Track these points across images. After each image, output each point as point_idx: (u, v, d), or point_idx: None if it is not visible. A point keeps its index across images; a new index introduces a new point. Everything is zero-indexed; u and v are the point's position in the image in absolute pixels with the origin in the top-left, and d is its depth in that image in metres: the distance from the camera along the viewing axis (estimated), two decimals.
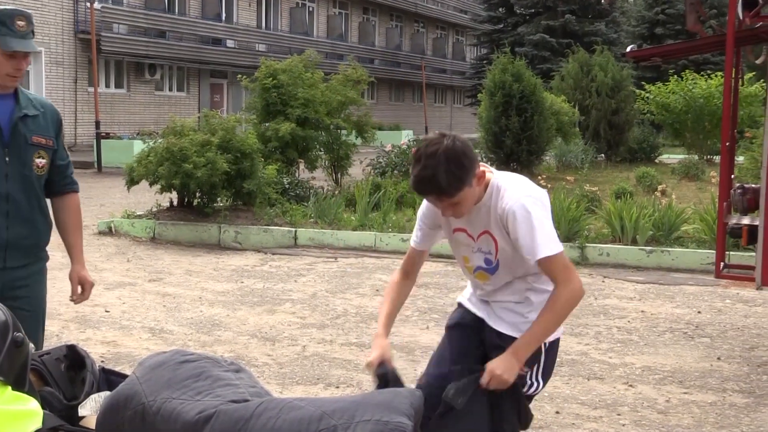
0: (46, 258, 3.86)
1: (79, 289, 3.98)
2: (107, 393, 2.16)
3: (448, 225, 3.29)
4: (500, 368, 3.03)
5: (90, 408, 2.23)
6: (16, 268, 3.65)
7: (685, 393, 5.65)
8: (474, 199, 3.08)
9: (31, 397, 2.10)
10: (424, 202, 3.29)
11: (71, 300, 4.01)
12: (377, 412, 2.01)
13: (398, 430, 2.01)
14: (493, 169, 3.22)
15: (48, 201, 3.88)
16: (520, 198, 3.04)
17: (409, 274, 3.45)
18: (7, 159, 3.59)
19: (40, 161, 3.69)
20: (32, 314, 3.70)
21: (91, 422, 2.17)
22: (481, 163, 3.08)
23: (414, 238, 3.42)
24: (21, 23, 3.49)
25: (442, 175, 2.90)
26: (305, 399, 2.09)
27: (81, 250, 3.98)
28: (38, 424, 2.05)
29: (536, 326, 3.06)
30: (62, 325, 6.94)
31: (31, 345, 2.24)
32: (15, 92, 3.66)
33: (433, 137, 2.98)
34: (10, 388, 2.05)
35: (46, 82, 27.44)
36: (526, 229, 2.99)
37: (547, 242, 3.01)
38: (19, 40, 3.49)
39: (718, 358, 6.44)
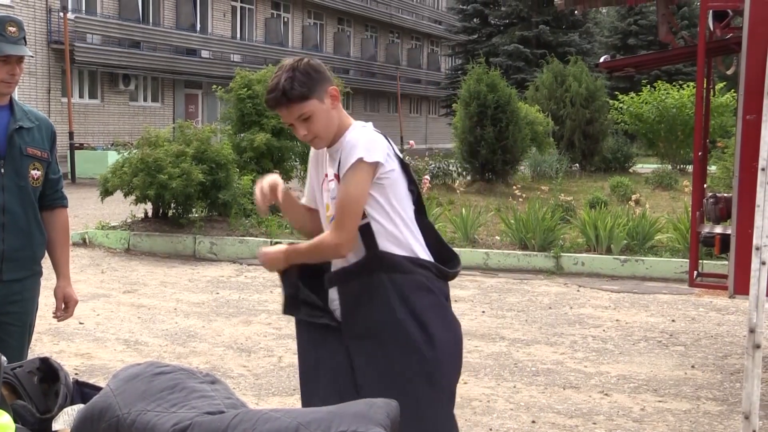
0: (40, 272, 3.83)
1: (63, 305, 3.93)
2: (81, 406, 2.14)
3: (321, 175, 3.12)
4: (269, 255, 3.09)
5: (63, 422, 2.21)
6: (12, 282, 3.61)
7: (659, 401, 5.68)
8: (328, 120, 2.96)
9: (3, 411, 2.08)
10: (310, 157, 3.20)
11: (54, 316, 3.97)
12: (353, 423, 2.00)
13: None
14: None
15: None
16: (356, 133, 2.96)
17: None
18: (2, 170, 3.58)
19: (36, 173, 3.68)
20: (20, 329, 3.68)
21: None
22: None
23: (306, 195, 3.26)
24: (12, 29, 3.53)
25: (286, 81, 2.89)
26: (281, 410, 2.07)
27: (67, 266, 3.96)
28: None
29: (307, 246, 3.02)
30: (36, 337, 6.85)
31: (3, 358, 2.22)
32: (10, 104, 3.67)
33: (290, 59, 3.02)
34: None
35: (19, 92, 27.20)
36: (346, 152, 2.91)
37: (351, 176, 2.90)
38: (12, 45, 3.52)
39: (692, 366, 6.48)
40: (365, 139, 2.91)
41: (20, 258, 3.65)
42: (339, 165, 2.93)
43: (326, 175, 3.05)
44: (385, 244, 2.94)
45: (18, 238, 3.62)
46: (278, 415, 2.01)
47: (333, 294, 3.03)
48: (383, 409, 2.15)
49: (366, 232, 2.94)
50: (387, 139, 3.03)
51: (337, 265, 3.03)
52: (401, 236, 2.96)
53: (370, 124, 3.06)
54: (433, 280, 2.98)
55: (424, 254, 3.00)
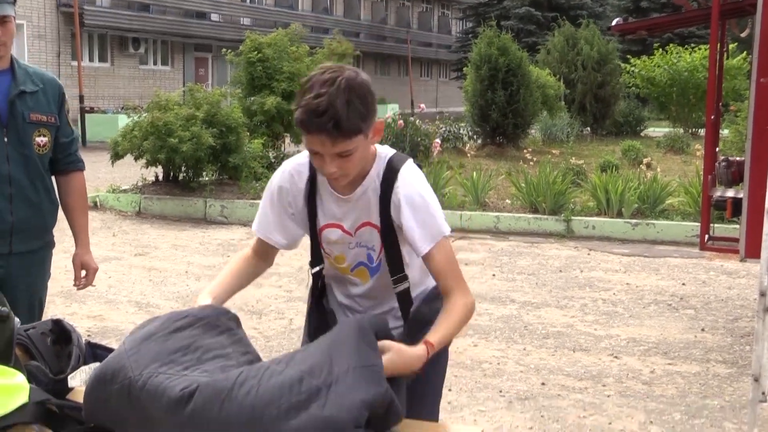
0: (52, 244, 3.70)
1: (83, 273, 3.81)
2: (98, 364, 2.16)
3: (309, 220, 2.60)
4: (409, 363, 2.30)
5: (80, 379, 2.22)
6: (22, 254, 3.49)
7: (669, 364, 5.70)
8: (364, 158, 2.41)
9: (17, 371, 2.10)
10: (275, 188, 2.60)
11: (74, 285, 3.85)
12: (352, 358, 2.01)
13: (378, 371, 2.02)
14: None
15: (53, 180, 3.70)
16: (415, 183, 2.47)
17: (262, 256, 2.75)
18: (6, 139, 3.41)
19: (42, 140, 3.50)
20: (30, 302, 3.56)
21: (78, 396, 2.17)
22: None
23: (259, 227, 2.69)
24: None
25: (341, 105, 2.22)
26: (283, 359, 2.07)
27: (86, 233, 3.80)
28: (25, 398, 2.05)
29: (454, 325, 2.42)
30: (48, 299, 6.91)
31: (17, 320, 2.23)
32: (12, 68, 3.46)
33: (332, 65, 2.36)
34: None
35: (28, 55, 27.16)
36: (419, 217, 2.43)
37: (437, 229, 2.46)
38: None
39: (702, 330, 6.49)
40: (434, 202, 2.48)
41: (31, 229, 3.52)
42: (388, 215, 2.47)
43: (338, 225, 2.56)
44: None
45: (27, 210, 3.48)
46: (280, 367, 2.01)
47: None
48: (370, 329, 2.13)
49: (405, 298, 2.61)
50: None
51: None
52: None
53: (409, 159, 2.55)
54: None
55: None
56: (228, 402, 1.93)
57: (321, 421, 1.88)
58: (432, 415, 2.70)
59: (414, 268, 2.60)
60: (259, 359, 2.20)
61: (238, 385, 1.96)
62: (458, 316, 2.40)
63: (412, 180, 2.46)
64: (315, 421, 1.89)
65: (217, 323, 2.24)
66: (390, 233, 2.51)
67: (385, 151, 2.52)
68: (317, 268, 2.71)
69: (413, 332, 2.47)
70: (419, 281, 2.64)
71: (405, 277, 2.57)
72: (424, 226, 2.42)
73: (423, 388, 2.59)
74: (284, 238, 2.65)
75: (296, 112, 2.29)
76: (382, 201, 2.47)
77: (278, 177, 2.60)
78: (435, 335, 2.32)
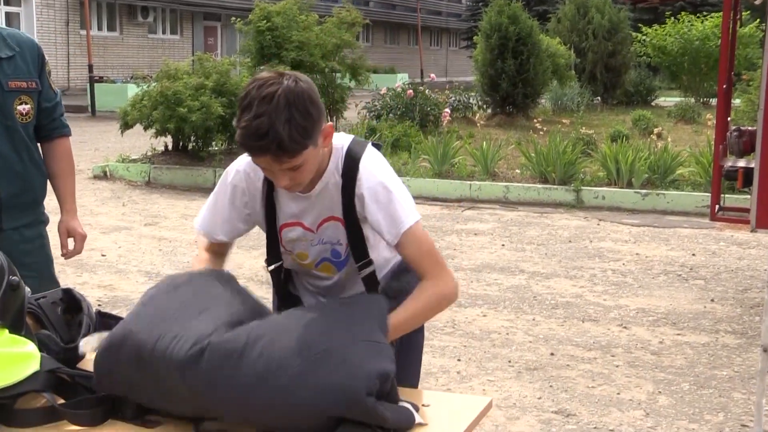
0: (45, 220, 3.47)
1: (70, 242, 3.57)
2: (107, 333, 2.17)
3: (267, 220, 2.53)
4: None
5: (92, 348, 2.23)
6: (13, 230, 3.26)
7: (678, 334, 5.70)
8: (317, 164, 2.31)
9: (28, 340, 2.11)
10: (230, 188, 2.52)
11: (62, 255, 3.58)
12: (365, 332, 2.03)
13: (390, 352, 2.05)
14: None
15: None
16: (377, 174, 2.38)
17: (220, 255, 2.64)
18: None
19: (24, 108, 3.24)
20: (37, 280, 3.15)
21: (89, 365, 2.18)
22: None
23: (204, 223, 2.61)
24: None
25: (282, 126, 2.11)
26: (291, 315, 2.09)
27: (72, 199, 3.55)
28: (36, 367, 2.06)
29: (420, 310, 2.38)
30: (58, 269, 6.92)
31: (27, 289, 2.24)
32: None
33: (269, 76, 2.20)
34: (7, 331, 2.06)
35: (37, 24, 27.12)
36: (385, 210, 2.35)
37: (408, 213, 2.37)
38: None
39: (712, 300, 6.48)
40: (401, 190, 2.40)
41: (20, 204, 3.28)
42: (352, 208, 2.40)
43: (297, 223, 2.48)
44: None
45: (15, 183, 3.25)
46: (292, 325, 2.02)
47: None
48: (380, 309, 2.14)
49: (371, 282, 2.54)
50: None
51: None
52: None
53: (368, 144, 2.47)
54: None
55: None
56: (240, 362, 1.94)
57: (334, 386, 1.89)
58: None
59: (378, 249, 2.54)
60: (263, 308, 2.21)
61: (250, 345, 1.96)
62: (424, 304, 2.35)
63: (374, 170, 2.38)
64: (327, 386, 1.90)
65: (217, 278, 2.26)
66: (355, 226, 2.43)
67: (341, 142, 2.41)
68: (274, 266, 2.65)
69: None
70: (384, 262, 2.59)
71: (370, 262, 2.50)
72: (392, 217, 2.34)
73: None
74: (226, 236, 2.59)
75: (236, 134, 2.18)
76: (344, 195, 2.39)
77: (233, 176, 2.50)
78: (394, 317, 2.27)
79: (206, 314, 2.06)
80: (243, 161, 2.48)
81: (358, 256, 2.49)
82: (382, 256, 2.58)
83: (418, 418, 2.02)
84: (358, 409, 1.89)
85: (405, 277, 2.53)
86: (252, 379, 1.93)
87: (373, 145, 2.48)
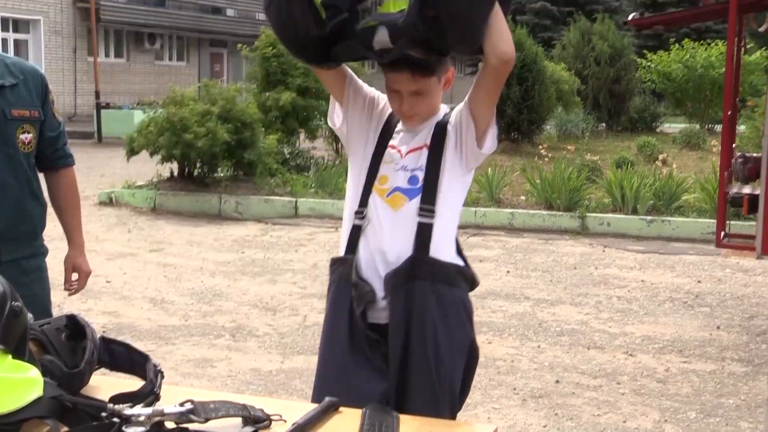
0: (44, 251, 3.40)
1: (74, 276, 3.55)
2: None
3: (380, 137, 2.78)
4: None
5: None
6: (12, 262, 3.17)
7: (684, 362, 5.67)
8: (434, 102, 2.70)
9: (31, 366, 2.10)
10: (377, 97, 2.84)
11: (65, 289, 3.58)
12: None
13: None
14: None
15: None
16: None
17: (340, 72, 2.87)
18: None
19: (26, 137, 3.21)
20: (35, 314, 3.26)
21: (92, 391, 2.17)
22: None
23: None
24: None
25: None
26: None
27: (80, 233, 3.54)
28: (39, 392, 2.05)
29: None
30: (63, 295, 6.94)
31: (30, 315, 2.24)
32: None
33: None
34: (10, 356, 2.06)
35: (45, 51, 27.27)
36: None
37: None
38: None
39: (718, 327, 6.46)
40: None
41: (19, 235, 3.23)
42: (443, 138, 2.68)
43: (393, 147, 2.73)
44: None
45: (13, 214, 3.20)
46: None
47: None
48: None
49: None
50: None
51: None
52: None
53: None
54: None
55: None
56: None
57: None
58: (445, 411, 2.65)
59: (447, 204, 2.66)
60: None
61: None
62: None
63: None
64: None
65: None
66: (437, 153, 2.66)
67: (445, 108, 2.78)
68: (358, 219, 2.74)
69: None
70: (440, 239, 2.64)
71: (433, 212, 2.63)
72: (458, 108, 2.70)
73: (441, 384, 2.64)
74: (338, 121, 2.87)
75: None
76: (437, 125, 2.70)
77: (379, 95, 2.83)
78: None
79: None
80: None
81: (426, 196, 2.64)
82: (443, 224, 2.66)
83: None
84: None
85: (452, 292, 2.67)
86: None
87: None
